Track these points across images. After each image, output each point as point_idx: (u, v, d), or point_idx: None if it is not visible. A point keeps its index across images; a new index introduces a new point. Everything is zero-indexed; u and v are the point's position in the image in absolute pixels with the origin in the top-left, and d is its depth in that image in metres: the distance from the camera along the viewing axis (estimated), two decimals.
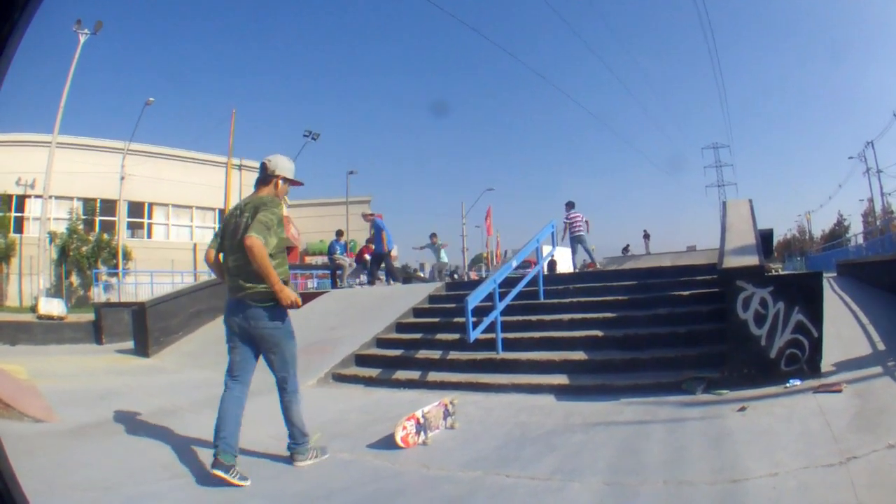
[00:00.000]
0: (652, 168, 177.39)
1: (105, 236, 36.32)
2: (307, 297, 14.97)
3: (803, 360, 7.33)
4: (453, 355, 9.72)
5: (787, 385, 7.13)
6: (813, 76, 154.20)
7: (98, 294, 31.11)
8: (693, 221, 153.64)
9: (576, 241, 19.13)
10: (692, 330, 8.86)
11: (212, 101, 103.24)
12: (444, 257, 22.95)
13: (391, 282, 18.95)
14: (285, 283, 5.27)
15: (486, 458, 5.64)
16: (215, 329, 13.45)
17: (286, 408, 5.50)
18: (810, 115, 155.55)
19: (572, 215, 19.04)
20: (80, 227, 35.47)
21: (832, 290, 11.60)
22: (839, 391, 6.63)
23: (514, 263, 11.26)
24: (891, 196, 55.68)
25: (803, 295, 7.45)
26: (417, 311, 12.54)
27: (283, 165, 5.56)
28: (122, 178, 36.81)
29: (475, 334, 9.22)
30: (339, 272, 20.56)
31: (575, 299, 11.15)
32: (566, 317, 10.29)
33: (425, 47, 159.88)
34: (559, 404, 7.57)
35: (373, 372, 9.63)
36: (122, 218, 37.65)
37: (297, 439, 5.50)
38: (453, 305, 11.47)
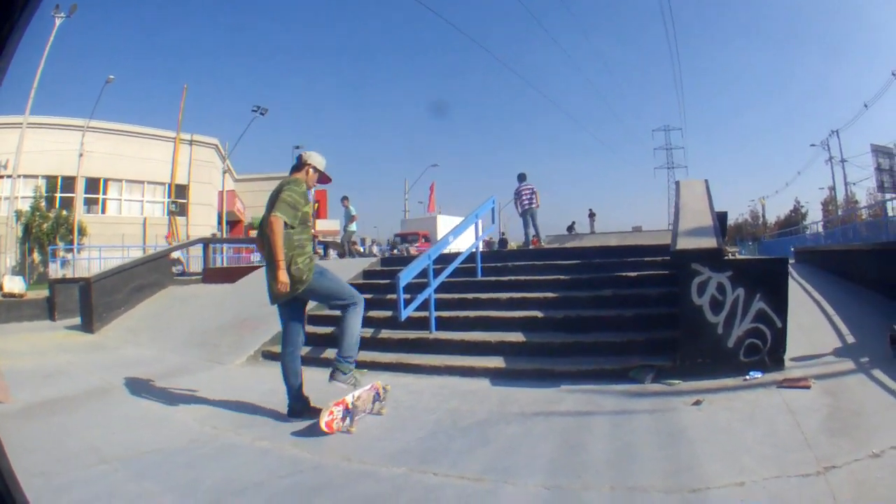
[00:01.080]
0: (600, 147, 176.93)
1: (64, 212, 35.84)
2: (247, 270, 14.74)
3: (765, 352, 6.57)
4: (385, 334, 8.95)
5: (747, 378, 6.34)
6: (775, 63, 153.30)
7: (56, 270, 30.25)
8: (639, 202, 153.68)
9: (525, 215, 18.05)
10: (640, 314, 8.05)
11: (168, 79, 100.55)
12: (354, 227, 21.41)
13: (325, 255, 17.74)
14: (303, 248, 5.90)
15: (412, 450, 4.94)
16: (153, 304, 13.90)
17: (341, 321, 6.08)
18: (770, 103, 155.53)
19: (521, 187, 18.07)
20: (43, 204, 35.53)
21: (791, 276, 10.84)
22: (807, 387, 5.87)
23: (452, 239, 10.39)
24: (855, 186, 55.70)
25: (766, 282, 6.70)
26: None
27: (315, 158, 6.21)
28: (81, 155, 36.51)
29: (407, 312, 8.57)
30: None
31: (514, 277, 10.29)
32: (504, 296, 9.41)
33: (376, 26, 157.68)
34: (494, 389, 6.77)
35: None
36: (79, 194, 37.43)
37: (342, 352, 5.89)
38: (387, 281, 10.50)
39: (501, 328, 8.39)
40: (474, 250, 10.92)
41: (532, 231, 18.17)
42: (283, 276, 5.60)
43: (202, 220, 42.49)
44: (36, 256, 34.28)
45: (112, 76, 37.16)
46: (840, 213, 44.54)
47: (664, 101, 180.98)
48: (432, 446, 4.99)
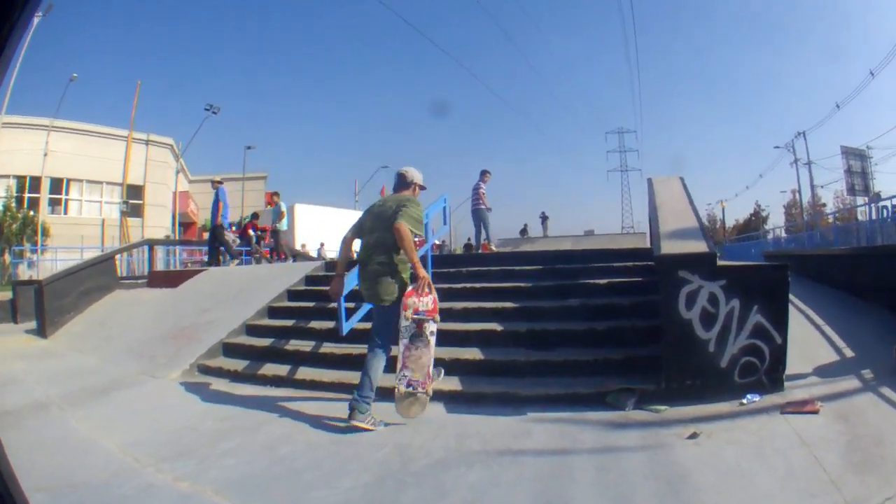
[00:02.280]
0: (553, 150, 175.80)
1: (31, 213, 35.24)
2: (190, 274, 14.02)
3: (762, 371, 5.65)
4: (327, 348, 7.94)
5: (744, 402, 5.42)
6: (735, 63, 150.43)
7: (23, 271, 29.90)
8: (591, 206, 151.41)
9: (474, 217, 16.59)
10: (613, 327, 7.06)
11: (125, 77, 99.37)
12: (283, 225, 19.71)
13: (223, 259, 16.43)
14: (406, 263, 5.91)
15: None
16: (100, 309, 13.15)
17: (367, 360, 5.77)
18: (730, 104, 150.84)
19: (474, 186, 16.59)
20: (13, 204, 34.92)
21: None
22: (815, 412, 5.04)
23: None
24: (823, 188, 54.60)
25: (764, 292, 5.80)
26: (292, 294, 10.59)
27: (418, 176, 6.37)
28: (46, 155, 35.73)
29: (349, 325, 7.58)
30: (222, 248, 17.98)
31: (468, 285, 9.20)
32: (458, 305, 8.31)
33: (327, 22, 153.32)
34: (450, 418, 5.76)
35: (240, 364, 8.06)
36: (44, 194, 36.58)
37: (362, 391, 5.60)
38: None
39: (456, 343, 7.29)
40: (424, 254, 9.76)
41: (483, 235, 16.72)
42: (423, 272, 5.84)
43: (157, 222, 41.27)
44: (7, 258, 33.22)
45: (75, 74, 37.86)
46: (806, 216, 44.04)
47: (620, 102, 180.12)
48: (380, 498, 4.04)
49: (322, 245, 33.94)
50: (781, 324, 5.70)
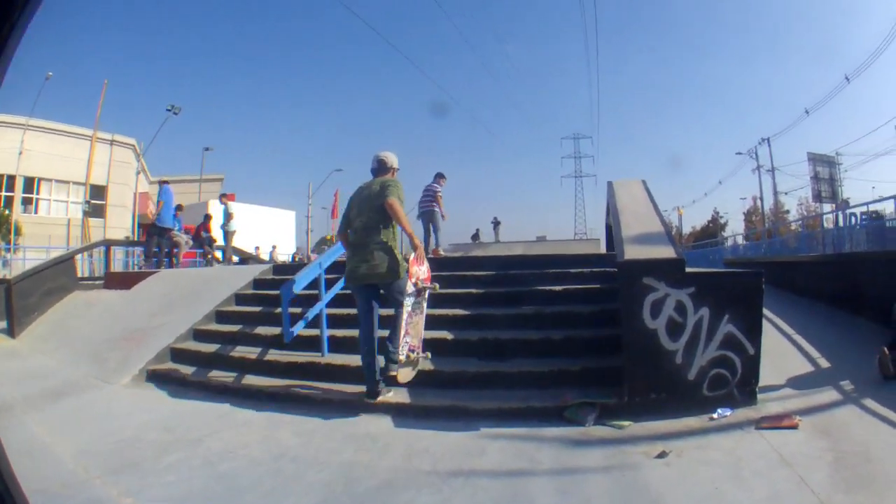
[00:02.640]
0: (505, 155, 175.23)
1: (6, 212, 34.60)
2: (144, 276, 13.54)
3: (733, 384, 5.26)
4: (272, 355, 7.58)
5: (715, 416, 5.02)
6: (691, 71, 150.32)
7: None
8: (543, 212, 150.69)
9: (424, 218, 15.17)
10: (571, 336, 6.63)
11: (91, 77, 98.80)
12: (233, 226, 19.26)
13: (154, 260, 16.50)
14: (396, 241, 6.30)
15: None
16: (61, 310, 12.88)
17: (394, 320, 6.14)
18: (687, 109, 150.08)
19: (428, 186, 15.33)
20: None
21: None
22: (793, 427, 4.67)
23: None
24: (786, 195, 54.18)
25: (737, 300, 5.46)
26: (240, 298, 10.14)
27: (396, 160, 6.60)
28: (21, 154, 35.17)
29: (295, 331, 7.16)
30: (175, 250, 17.78)
31: None
32: None
33: (291, 27, 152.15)
34: (398, 433, 5.33)
35: (187, 370, 7.78)
36: (18, 193, 36.06)
37: (392, 343, 6.08)
38: (277, 292, 8.85)
39: None
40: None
41: (433, 239, 15.22)
42: (419, 241, 6.39)
43: (119, 223, 40.34)
44: None
45: (50, 73, 37.18)
46: (768, 224, 44.03)
47: (576, 107, 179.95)
48: None
49: (274, 248, 33.24)
50: (755, 334, 5.34)
